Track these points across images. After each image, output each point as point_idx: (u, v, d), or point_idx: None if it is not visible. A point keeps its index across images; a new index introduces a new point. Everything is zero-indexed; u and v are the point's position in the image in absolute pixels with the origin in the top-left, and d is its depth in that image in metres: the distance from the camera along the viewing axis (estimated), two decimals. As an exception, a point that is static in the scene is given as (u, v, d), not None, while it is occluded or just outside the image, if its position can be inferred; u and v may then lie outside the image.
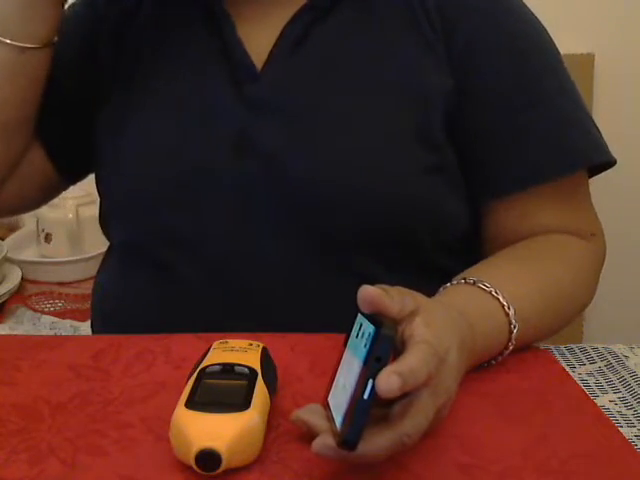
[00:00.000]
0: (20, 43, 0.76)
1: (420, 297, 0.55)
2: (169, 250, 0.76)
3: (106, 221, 0.86)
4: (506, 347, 0.63)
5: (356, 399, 0.45)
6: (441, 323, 0.53)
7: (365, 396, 0.44)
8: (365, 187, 0.71)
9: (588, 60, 1.52)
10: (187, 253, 0.75)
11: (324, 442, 0.46)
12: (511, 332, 0.63)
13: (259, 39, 0.77)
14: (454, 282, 0.66)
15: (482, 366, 0.63)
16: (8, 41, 0.75)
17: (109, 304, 0.83)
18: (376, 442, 0.46)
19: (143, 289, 0.78)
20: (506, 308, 0.63)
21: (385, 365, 0.45)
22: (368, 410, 0.44)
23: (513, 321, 0.63)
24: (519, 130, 0.74)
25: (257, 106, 0.74)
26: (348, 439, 0.44)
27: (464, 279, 0.65)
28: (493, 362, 0.64)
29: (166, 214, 0.76)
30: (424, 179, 0.73)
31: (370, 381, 0.44)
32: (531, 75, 0.75)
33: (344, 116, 0.73)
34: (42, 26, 0.77)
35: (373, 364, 0.45)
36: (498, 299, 0.63)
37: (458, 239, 0.78)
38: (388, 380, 0.44)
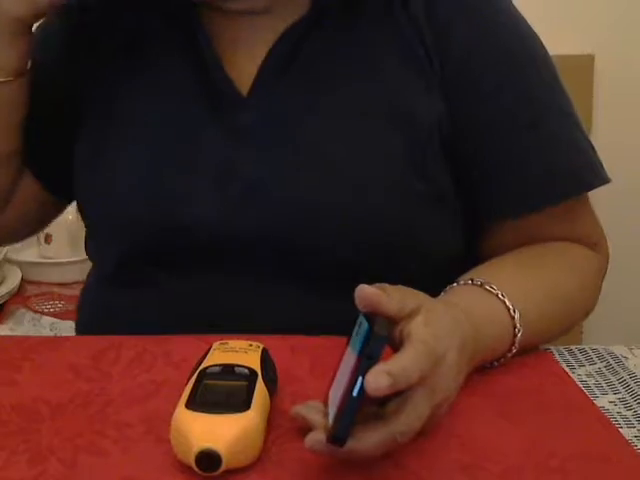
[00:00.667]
0: None
1: (423, 296, 0.55)
2: (159, 271, 0.75)
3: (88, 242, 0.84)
4: (509, 350, 0.63)
5: (346, 396, 0.45)
6: (442, 323, 0.53)
7: (354, 393, 0.45)
8: (358, 214, 0.70)
9: (588, 61, 1.52)
10: (177, 274, 0.74)
11: (315, 437, 0.46)
12: (515, 335, 0.63)
13: (243, 63, 0.74)
14: (461, 282, 0.66)
15: (484, 367, 0.63)
16: None
17: (101, 328, 0.79)
18: (368, 439, 0.47)
19: (139, 306, 0.76)
20: (511, 311, 0.63)
21: (375, 363, 0.45)
22: (357, 407, 0.45)
23: (518, 325, 0.62)
24: (523, 151, 0.73)
25: (242, 133, 0.72)
26: (336, 435, 0.45)
27: (471, 280, 0.65)
28: (495, 364, 0.63)
29: (147, 245, 0.74)
30: (416, 204, 0.72)
31: (360, 378, 0.45)
32: (530, 92, 0.73)
33: (331, 143, 0.71)
34: (11, 59, 0.74)
35: (364, 362, 0.45)
36: (504, 302, 0.63)
37: (447, 262, 0.76)
38: (376, 379, 0.44)
